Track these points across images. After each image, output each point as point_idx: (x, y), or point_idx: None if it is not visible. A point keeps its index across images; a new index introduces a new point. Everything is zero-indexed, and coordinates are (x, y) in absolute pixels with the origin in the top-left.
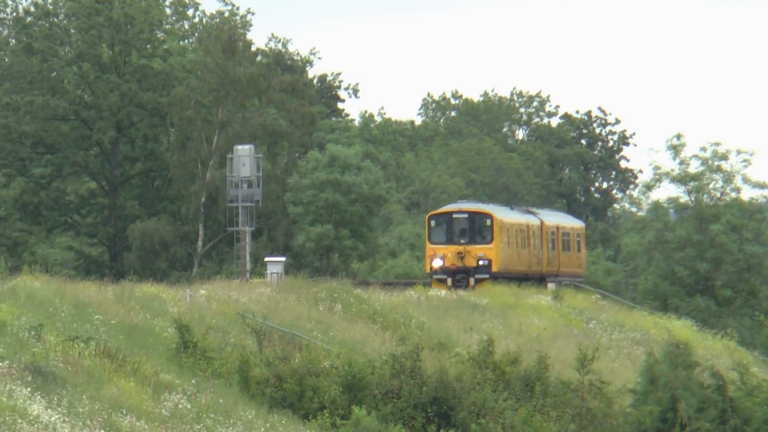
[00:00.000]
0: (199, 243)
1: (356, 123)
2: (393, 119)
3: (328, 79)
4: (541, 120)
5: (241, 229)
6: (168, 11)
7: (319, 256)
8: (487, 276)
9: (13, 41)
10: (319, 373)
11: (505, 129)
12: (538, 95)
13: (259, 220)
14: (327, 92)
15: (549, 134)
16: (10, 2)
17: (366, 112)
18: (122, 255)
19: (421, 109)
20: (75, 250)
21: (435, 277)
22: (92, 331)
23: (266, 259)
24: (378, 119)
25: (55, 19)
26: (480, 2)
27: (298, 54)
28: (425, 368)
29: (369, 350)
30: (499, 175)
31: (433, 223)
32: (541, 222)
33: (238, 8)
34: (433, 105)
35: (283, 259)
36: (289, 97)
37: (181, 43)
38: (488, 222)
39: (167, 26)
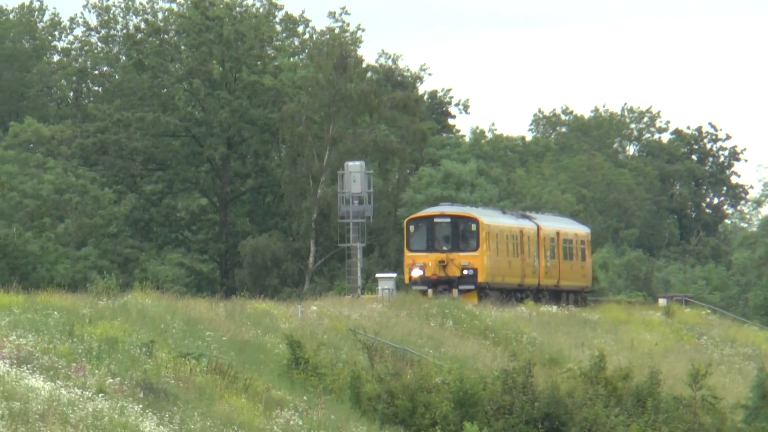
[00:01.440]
0: (311, 259)
1: (467, 139)
2: (504, 135)
3: (438, 95)
4: (652, 136)
5: (352, 245)
6: (278, 28)
7: None
8: (472, 287)
9: (124, 58)
10: (430, 389)
11: (615, 145)
12: (648, 111)
13: (370, 236)
14: (437, 108)
15: (660, 150)
16: (120, 19)
17: (477, 128)
18: (233, 271)
19: (531, 124)
20: (186, 267)
21: (414, 288)
22: (203, 348)
23: (377, 275)
24: (489, 135)
25: (166, 36)
26: (591, 18)
27: (408, 70)
28: (537, 384)
29: (480, 366)
30: (610, 190)
31: (412, 228)
32: (538, 227)
33: (348, 24)
34: (544, 121)
35: (394, 275)
36: (400, 113)
37: (292, 59)
38: (473, 227)
39: (278, 43)
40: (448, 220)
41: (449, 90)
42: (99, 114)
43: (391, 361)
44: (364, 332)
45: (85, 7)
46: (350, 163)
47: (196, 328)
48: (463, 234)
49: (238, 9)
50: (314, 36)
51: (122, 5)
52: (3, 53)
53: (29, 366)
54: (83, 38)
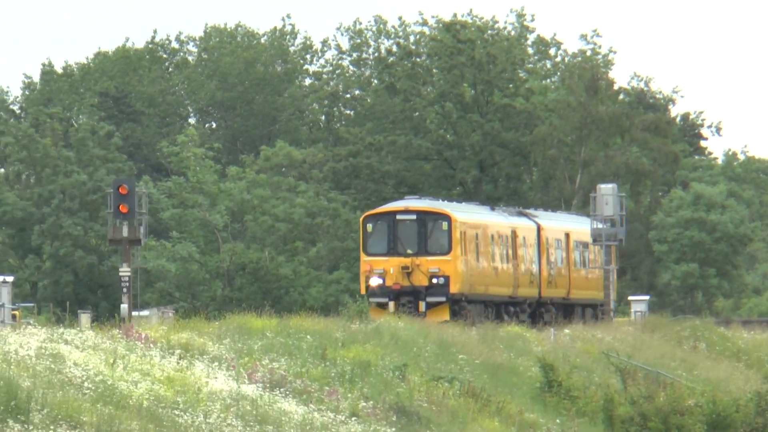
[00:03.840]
0: None
1: (719, 161)
2: (756, 157)
3: (690, 117)
4: None
5: (605, 267)
6: (530, 50)
7: (683, 294)
8: (443, 299)
9: (376, 81)
10: (683, 412)
11: None
12: None
13: (622, 258)
14: (689, 130)
15: None
16: (372, 42)
17: (729, 150)
18: None
19: None
20: None
21: (372, 300)
22: (456, 371)
23: (630, 297)
24: (741, 157)
25: (418, 59)
26: None
27: (660, 92)
28: None
29: (733, 388)
30: None
31: (369, 226)
32: (538, 227)
33: (600, 47)
34: None
35: (646, 297)
36: (652, 135)
37: (544, 82)
38: (444, 225)
39: (529, 66)
40: (414, 216)
41: (701, 112)
42: (351, 137)
43: (643, 384)
44: (616, 355)
45: (338, 29)
46: (602, 186)
47: (448, 352)
48: (432, 234)
49: (489, 32)
50: (566, 58)
51: (374, 28)
52: (255, 77)
53: (282, 390)
54: (335, 61)
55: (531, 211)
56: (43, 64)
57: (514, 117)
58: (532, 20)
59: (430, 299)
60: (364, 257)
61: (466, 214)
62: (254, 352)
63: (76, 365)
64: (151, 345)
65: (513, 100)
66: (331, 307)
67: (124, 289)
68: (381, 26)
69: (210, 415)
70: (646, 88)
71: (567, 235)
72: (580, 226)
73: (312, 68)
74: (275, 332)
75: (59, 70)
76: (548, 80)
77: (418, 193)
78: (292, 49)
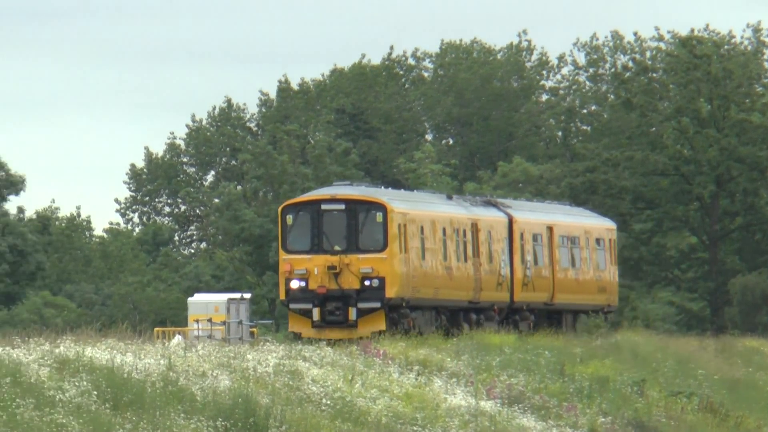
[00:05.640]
0: None
1: None
2: None
3: None
4: None
5: None
6: (767, 65)
7: None
8: (377, 305)
9: (612, 96)
10: None
11: None
12: None
13: None
14: None
15: None
16: (609, 58)
17: None
18: (723, 309)
19: None
20: (675, 305)
21: (293, 306)
22: (695, 386)
23: None
24: None
25: (654, 75)
26: None
27: None
28: None
29: None
30: None
31: (289, 218)
32: (510, 219)
33: None
34: None
35: None
36: None
37: None
38: (379, 216)
39: (766, 80)
40: (342, 206)
41: None
42: (587, 153)
43: None
44: None
45: (574, 45)
46: None
47: (686, 367)
48: (364, 227)
49: (726, 47)
50: None
51: (611, 44)
52: (491, 93)
53: (520, 405)
54: (571, 77)
55: (504, 200)
56: (280, 81)
57: (751, 132)
58: None
59: (361, 305)
60: (283, 255)
61: (406, 204)
62: (492, 368)
63: (314, 382)
64: (390, 361)
65: (750, 115)
66: None
67: None
68: (617, 42)
69: (448, 431)
70: None
71: (550, 229)
72: (567, 219)
73: (548, 84)
74: (513, 348)
75: (296, 87)
76: None
77: (656, 209)
78: (528, 65)
